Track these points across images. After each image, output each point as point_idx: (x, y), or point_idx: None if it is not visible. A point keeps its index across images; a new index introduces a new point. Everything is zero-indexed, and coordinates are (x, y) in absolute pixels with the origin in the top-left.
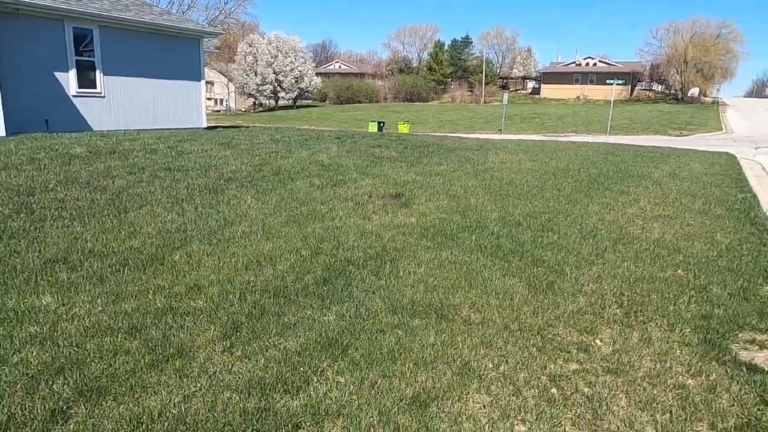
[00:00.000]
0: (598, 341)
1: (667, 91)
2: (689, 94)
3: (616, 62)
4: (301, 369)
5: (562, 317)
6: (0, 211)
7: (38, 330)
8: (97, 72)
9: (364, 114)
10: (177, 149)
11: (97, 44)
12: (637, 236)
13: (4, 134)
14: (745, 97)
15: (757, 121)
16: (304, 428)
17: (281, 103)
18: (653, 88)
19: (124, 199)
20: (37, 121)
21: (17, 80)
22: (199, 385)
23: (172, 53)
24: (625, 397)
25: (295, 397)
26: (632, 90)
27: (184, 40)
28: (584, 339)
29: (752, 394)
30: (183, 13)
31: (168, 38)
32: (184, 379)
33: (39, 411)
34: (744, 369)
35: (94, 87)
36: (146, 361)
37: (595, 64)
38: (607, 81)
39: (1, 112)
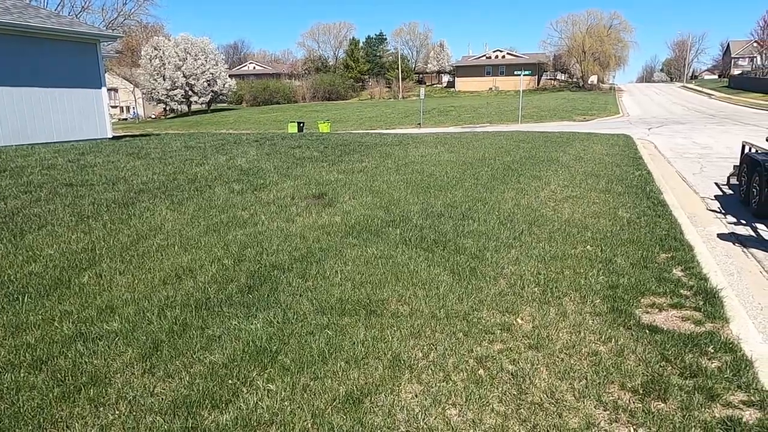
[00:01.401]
0: (519, 320)
1: (570, 80)
2: (589, 82)
3: (522, 54)
4: (230, 381)
5: (485, 300)
6: None
7: None
8: None
9: (283, 115)
10: (79, 163)
11: None
12: (549, 217)
13: None
14: (636, 82)
15: (649, 104)
16: None
17: (194, 107)
18: (557, 77)
19: (19, 220)
20: None
21: None
22: (117, 412)
23: (67, 59)
24: (546, 369)
25: (224, 412)
26: (539, 80)
27: (80, 44)
28: (507, 319)
29: (654, 353)
30: (76, 16)
31: (60, 43)
32: (101, 408)
33: None
34: (647, 331)
35: None
36: (55, 393)
37: (504, 57)
38: (516, 72)
39: None
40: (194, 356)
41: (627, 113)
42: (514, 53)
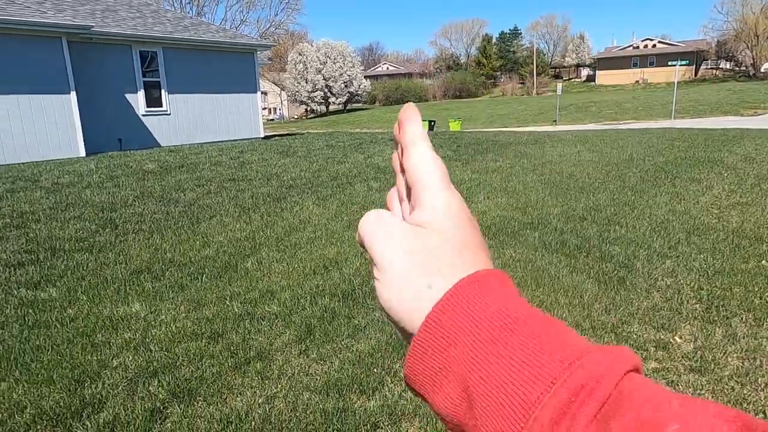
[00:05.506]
0: (677, 338)
1: (737, 68)
2: (762, 70)
3: (677, 42)
4: (375, 370)
5: (636, 314)
6: (88, 227)
7: (132, 336)
8: (163, 91)
9: None
10: (239, 160)
11: (161, 65)
12: (712, 226)
13: (84, 155)
14: None
15: None
16: (382, 428)
17: (332, 108)
18: (720, 66)
19: (195, 210)
20: (111, 140)
21: (93, 105)
22: (279, 386)
23: (229, 68)
24: (712, 396)
25: (371, 398)
26: (697, 70)
27: (240, 54)
28: (662, 336)
29: None
30: (236, 29)
31: (225, 54)
32: (266, 381)
33: (139, 411)
34: None
35: (161, 105)
36: (230, 364)
37: (654, 46)
38: (670, 63)
39: (81, 135)
40: (342, 343)
41: None
42: (666, 41)
